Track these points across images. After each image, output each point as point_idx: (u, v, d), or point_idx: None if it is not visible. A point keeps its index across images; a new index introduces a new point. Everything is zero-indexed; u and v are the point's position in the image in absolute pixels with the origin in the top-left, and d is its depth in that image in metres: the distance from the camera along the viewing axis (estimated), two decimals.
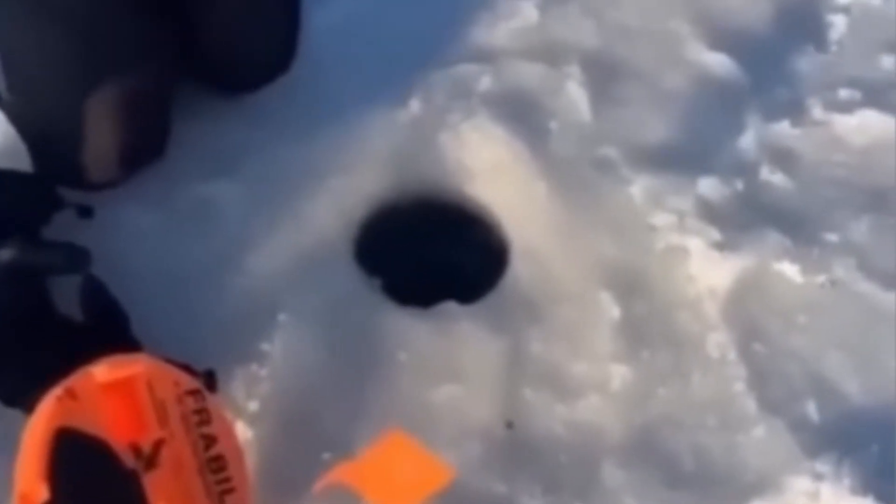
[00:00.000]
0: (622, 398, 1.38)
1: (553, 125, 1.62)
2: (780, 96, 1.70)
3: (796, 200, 1.57)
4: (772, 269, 1.48)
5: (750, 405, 1.37)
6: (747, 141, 1.63)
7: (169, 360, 1.23)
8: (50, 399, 1.14)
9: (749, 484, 1.31)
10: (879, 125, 1.66)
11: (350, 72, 1.67)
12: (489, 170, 1.58)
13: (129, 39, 1.44)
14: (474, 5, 1.76)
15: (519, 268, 1.50)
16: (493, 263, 1.52)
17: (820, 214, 1.56)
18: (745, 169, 1.60)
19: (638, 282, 1.48)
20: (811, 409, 1.37)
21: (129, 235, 1.46)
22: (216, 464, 1.19)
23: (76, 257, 1.34)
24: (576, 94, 1.66)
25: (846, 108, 1.68)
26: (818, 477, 1.29)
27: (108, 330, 1.32)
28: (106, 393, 1.16)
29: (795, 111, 1.68)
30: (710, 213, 1.52)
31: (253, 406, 1.32)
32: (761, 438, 1.34)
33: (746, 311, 1.45)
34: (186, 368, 1.24)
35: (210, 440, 1.20)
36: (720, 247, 1.48)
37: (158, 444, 1.17)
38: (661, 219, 1.52)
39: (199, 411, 1.20)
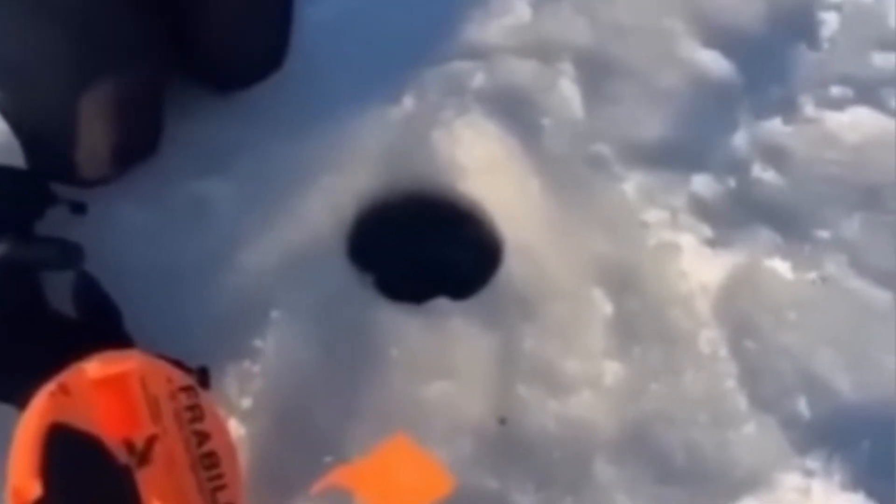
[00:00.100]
0: (614, 394, 1.39)
1: (546, 122, 1.62)
2: (772, 94, 1.71)
3: (788, 197, 1.58)
4: (763, 265, 1.48)
5: (741, 401, 1.37)
6: (740, 138, 1.63)
7: (162, 357, 1.23)
8: (43, 395, 1.14)
9: (740, 480, 1.31)
10: (871, 122, 1.66)
11: (343, 69, 1.67)
12: (482, 167, 1.58)
13: (122, 37, 1.44)
14: (467, 2, 1.76)
15: (512, 264, 1.50)
16: (485, 260, 1.52)
17: (812, 211, 1.56)
18: (737, 166, 1.60)
19: (630, 278, 1.48)
20: (802, 406, 1.37)
21: (122, 232, 1.46)
22: (209, 460, 1.19)
23: (69, 253, 1.34)
24: (569, 92, 1.66)
25: (838, 105, 1.69)
26: (809, 473, 1.29)
27: (101, 326, 1.32)
28: (99, 389, 1.16)
29: (788, 108, 1.68)
30: (702, 209, 1.53)
31: (246, 403, 1.32)
32: (752, 435, 1.35)
33: (738, 307, 1.45)
34: (179, 365, 1.24)
35: (203, 437, 1.20)
36: (712, 243, 1.49)
37: (151, 441, 1.17)
38: (653, 215, 1.52)
39: (191, 408, 1.20)
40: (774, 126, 1.66)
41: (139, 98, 1.48)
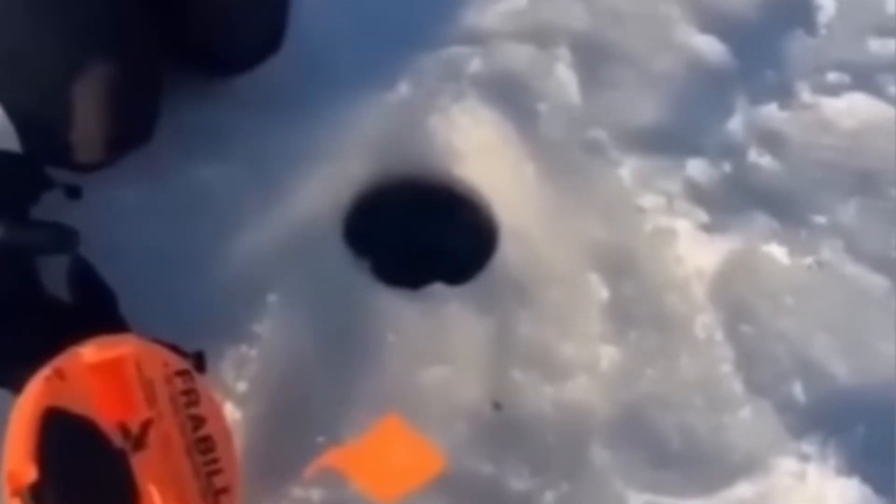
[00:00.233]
0: (610, 379, 1.39)
1: (542, 108, 1.62)
2: (768, 79, 1.71)
3: (784, 183, 1.58)
4: (759, 250, 1.48)
5: (737, 386, 1.38)
6: (736, 123, 1.64)
7: (157, 341, 1.23)
8: (38, 379, 1.14)
9: (735, 464, 1.31)
10: (867, 108, 1.67)
11: (340, 54, 1.67)
12: (478, 152, 1.58)
13: (118, 21, 1.44)
14: None
15: (508, 249, 1.51)
16: (482, 245, 1.52)
17: (808, 197, 1.56)
18: (733, 151, 1.60)
19: (626, 263, 1.48)
20: (797, 391, 1.37)
21: (117, 216, 1.46)
22: (204, 445, 1.19)
23: (64, 237, 1.34)
24: (565, 77, 1.66)
25: (834, 91, 1.69)
26: (804, 458, 1.29)
27: (97, 310, 1.31)
28: (94, 373, 1.16)
29: (784, 94, 1.68)
30: (698, 195, 1.53)
31: (241, 387, 1.32)
32: (748, 419, 1.35)
33: (734, 292, 1.46)
34: (175, 349, 1.24)
35: (198, 421, 1.20)
36: (708, 229, 1.49)
37: (146, 425, 1.16)
38: (649, 201, 1.53)
39: (187, 392, 1.20)
40: (771, 111, 1.66)
41: (135, 83, 1.47)
